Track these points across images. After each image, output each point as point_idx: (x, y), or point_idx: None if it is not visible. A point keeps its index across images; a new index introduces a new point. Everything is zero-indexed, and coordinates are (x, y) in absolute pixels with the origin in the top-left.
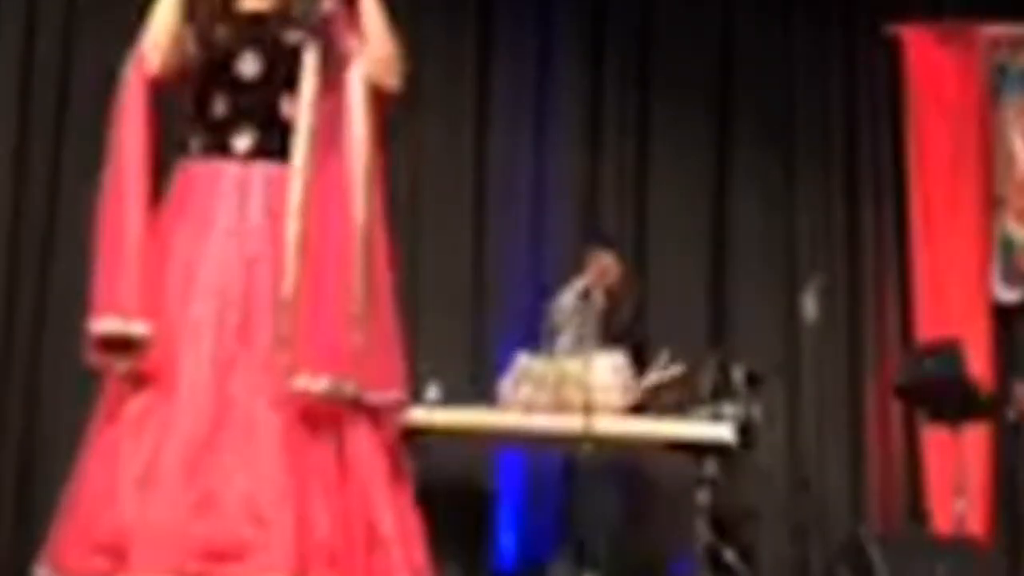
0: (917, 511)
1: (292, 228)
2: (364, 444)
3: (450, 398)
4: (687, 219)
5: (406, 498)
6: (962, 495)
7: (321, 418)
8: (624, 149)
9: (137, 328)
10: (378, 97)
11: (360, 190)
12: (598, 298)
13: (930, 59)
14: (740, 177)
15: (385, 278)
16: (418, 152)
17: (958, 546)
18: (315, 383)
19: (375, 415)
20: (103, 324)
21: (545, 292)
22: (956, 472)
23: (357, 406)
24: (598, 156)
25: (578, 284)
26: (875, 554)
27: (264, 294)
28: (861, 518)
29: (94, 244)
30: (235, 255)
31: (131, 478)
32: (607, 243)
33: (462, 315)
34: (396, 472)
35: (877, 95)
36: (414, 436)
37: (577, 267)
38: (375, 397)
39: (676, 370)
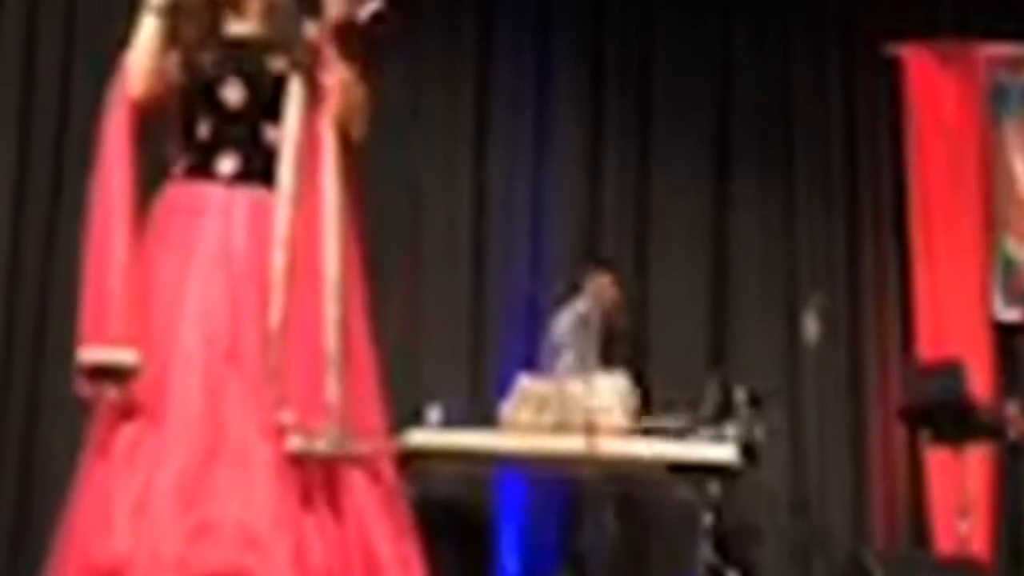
0: (919, 531)
1: (278, 259)
2: (357, 470)
3: (451, 421)
4: (687, 240)
5: (403, 523)
6: (965, 515)
7: None
8: (624, 172)
9: (125, 356)
10: (346, 143)
11: (332, 247)
12: (596, 319)
13: (929, 79)
14: (740, 198)
15: (360, 326)
16: (417, 173)
17: (961, 566)
18: (289, 441)
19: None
20: (91, 354)
21: (545, 314)
22: (959, 492)
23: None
24: (598, 178)
25: (577, 306)
26: (877, 574)
27: (251, 321)
28: (863, 539)
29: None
30: (221, 281)
31: (126, 508)
32: (604, 265)
33: (462, 338)
34: (391, 497)
35: (876, 115)
36: (416, 459)
37: (576, 289)
38: (353, 448)
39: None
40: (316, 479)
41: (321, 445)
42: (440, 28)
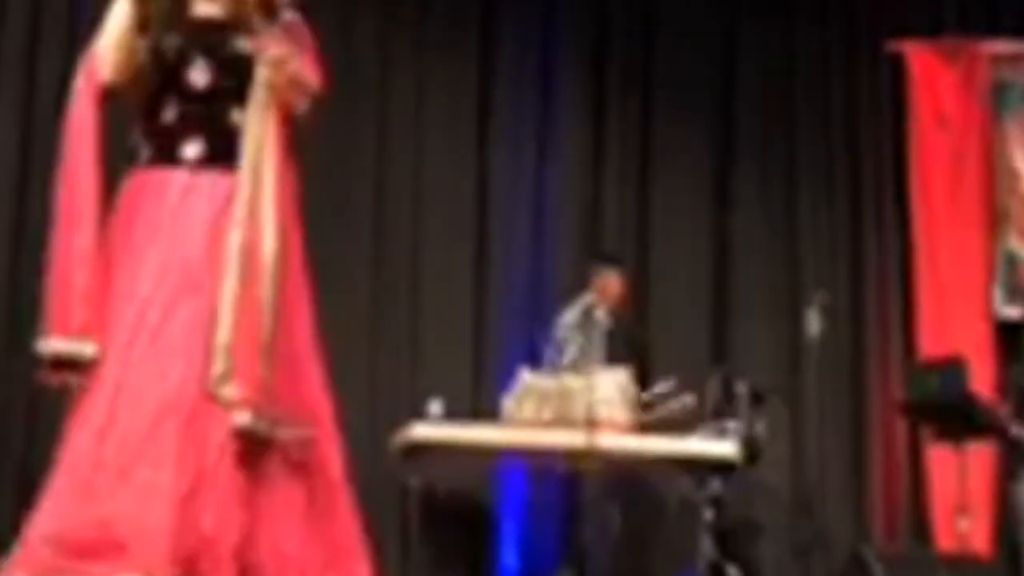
0: (920, 528)
1: (235, 238)
2: (283, 461)
3: (453, 414)
4: (690, 236)
5: (328, 513)
6: (965, 512)
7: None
8: (626, 168)
9: (85, 349)
10: (287, 120)
11: (270, 230)
12: (601, 315)
13: (932, 75)
14: (742, 194)
15: (303, 313)
16: (420, 168)
17: (961, 563)
18: (236, 416)
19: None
20: (52, 345)
21: (547, 308)
22: (960, 490)
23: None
24: (600, 175)
25: (582, 301)
26: (877, 571)
27: (202, 299)
28: (864, 535)
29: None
30: (176, 260)
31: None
32: (611, 260)
33: (465, 331)
34: (317, 489)
35: (879, 112)
36: (417, 452)
37: (580, 284)
38: (283, 433)
39: (684, 400)
40: (244, 461)
41: (263, 425)
42: (444, 26)
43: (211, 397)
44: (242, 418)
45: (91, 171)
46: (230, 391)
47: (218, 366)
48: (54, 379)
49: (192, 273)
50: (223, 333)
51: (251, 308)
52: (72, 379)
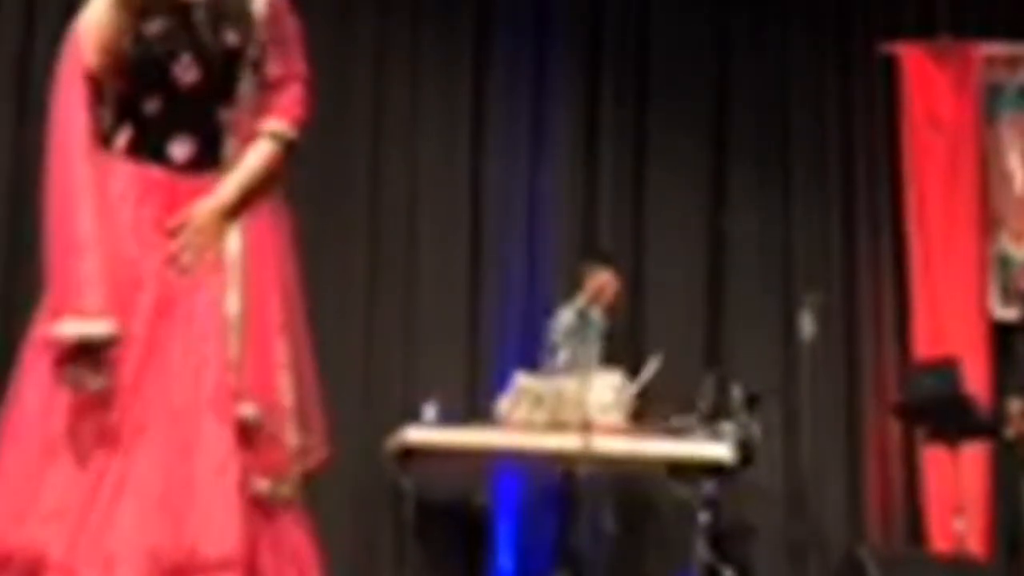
0: (916, 529)
1: (234, 245)
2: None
3: (448, 417)
4: (684, 238)
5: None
6: (961, 513)
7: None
8: (621, 169)
9: (99, 328)
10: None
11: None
12: (596, 315)
13: (926, 77)
14: (737, 195)
15: (303, 336)
16: (414, 171)
17: (957, 564)
18: (255, 483)
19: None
20: (68, 328)
21: (542, 310)
22: (955, 490)
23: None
24: (594, 176)
25: (576, 302)
26: (873, 572)
27: (190, 312)
28: (859, 536)
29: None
30: (166, 268)
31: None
32: (604, 260)
33: (459, 334)
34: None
35: (873, 113)
36: (412, 455)
37: (575, 286)
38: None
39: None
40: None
41: (285, 490)
42: (438, 25)
43: (219, 411)
44: (261, 485)
45: (85, 162)
46: (248, 409)
47: (233, 381)
48: (71, 377)
49: (183, 290)
50: (232, 350)
51: (265, 327)
52: (86, 376)
